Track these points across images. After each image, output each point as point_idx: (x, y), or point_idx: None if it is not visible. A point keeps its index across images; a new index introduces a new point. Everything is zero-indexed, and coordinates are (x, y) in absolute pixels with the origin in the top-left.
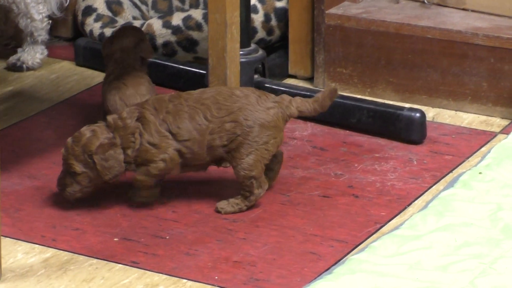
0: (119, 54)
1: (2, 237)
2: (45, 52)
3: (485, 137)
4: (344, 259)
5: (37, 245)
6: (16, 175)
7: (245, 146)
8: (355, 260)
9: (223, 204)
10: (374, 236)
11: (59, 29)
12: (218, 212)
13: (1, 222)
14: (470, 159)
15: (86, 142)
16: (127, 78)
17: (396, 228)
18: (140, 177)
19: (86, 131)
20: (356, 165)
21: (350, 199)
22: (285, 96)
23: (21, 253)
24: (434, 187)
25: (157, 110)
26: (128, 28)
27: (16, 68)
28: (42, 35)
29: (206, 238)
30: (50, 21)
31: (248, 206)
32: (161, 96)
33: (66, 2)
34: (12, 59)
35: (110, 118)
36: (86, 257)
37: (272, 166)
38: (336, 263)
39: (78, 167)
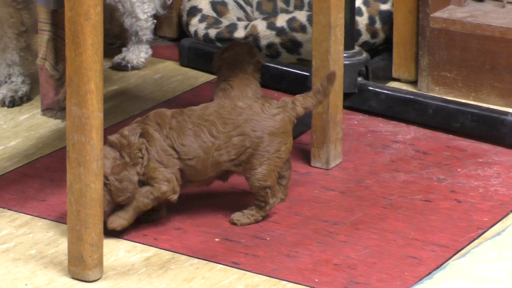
0: (231, 59)
1: (104, 235)
2: (150, 51)
3: None
4: (445, 264)
5: (139, 244)
6: None
7: (257, 157)
8: (456, 265)
9: (238, 216)
10: (476, 241)
11: (164, 29)
12: (234, 224)
13: (103, 220)
14: None
15: None
16: (234, 80)
17: (498, 234)
18: (141, 199)
19: None
20: (459, 169)
21: (452, 203)
22: (286, 99)
23: (123, 252)
24: None
25: (160, 126)
26: (239, 42)
27: (121, 67)
28: (147, 35)
29: (306, 240)
30: (155, 21)
31: (263, 216)
32: (162, 111)
33: (169, 0)
34: (117, 58)
35: (113, 137)
36: (187, 257)
37: (283, 173)
38: (437, 268)
39: None
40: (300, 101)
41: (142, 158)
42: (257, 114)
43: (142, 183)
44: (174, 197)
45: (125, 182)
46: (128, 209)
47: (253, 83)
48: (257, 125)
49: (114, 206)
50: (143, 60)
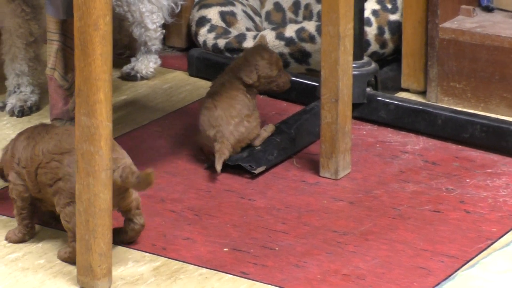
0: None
1: (113, 245)
2: (158, 61)
3: None
4: (454, 274)
5: (147, 254)
6: None
7: (64, 194)
8: (465, 276)
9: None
10: (485, 252)
11: (173, 39)
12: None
13: (112, 230)
14: None
15: None
16: (219, 99)
17: (508, 244)
18: None
19: None
20: (468, 180)
21: (461, 214)
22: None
23: (132, 261)
24: None
25: (28, 133)
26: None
27: (130, 77)
28: (156, 45)
29: (315, 250)
30: (164, 31)
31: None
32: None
33: (177, 8)
34: (126, 68)
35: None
36: (196, 267)
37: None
38: (446, 278)
39: None
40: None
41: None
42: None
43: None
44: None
45: None
46: None
47: (241, 100)
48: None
49: None
50: (152, 70)
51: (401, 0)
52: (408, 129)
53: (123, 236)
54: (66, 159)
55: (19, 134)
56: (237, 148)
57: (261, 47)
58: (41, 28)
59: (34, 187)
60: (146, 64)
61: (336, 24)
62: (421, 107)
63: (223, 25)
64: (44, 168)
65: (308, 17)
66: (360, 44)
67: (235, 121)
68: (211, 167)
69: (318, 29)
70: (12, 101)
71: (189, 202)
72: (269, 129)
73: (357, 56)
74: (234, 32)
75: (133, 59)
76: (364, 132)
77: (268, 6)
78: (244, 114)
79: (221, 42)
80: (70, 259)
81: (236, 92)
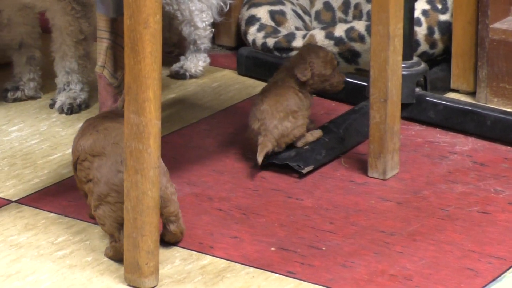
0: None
1: (160, 243)
2: (208, 60)
3: None
4: (502, 276)
5: (194, 252)
6: (175, 182)
7: (94, 197)
8: None
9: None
10: None
11: (222, 38)
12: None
13: (159, 226)
14: None
15: None
16: (268, 94)
17: None
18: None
19: None
20: None
21: (510, 216)
22: None
23: (179, 260)
24: None
25: (89, 122)
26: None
27: (179, 75)
28: (205, 43)
29: (362, 250)
30: (213, 30)
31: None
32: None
33: (226, 7)
34: (175, 66)
35: None
36: (243, 266)
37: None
38: (493, 280)
39: None
40: None
41: None
42: (109, 160)
43: None
44: None
45: None
46: None
47: (290, 98)
48: (102, 167)
49: None
50: (201, 68)
51: (451, 0)
52: (457, 130)
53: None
54: (96, 162)
55: (84, 121)
56: (281, 143)
57: (316, 46)
58: (91, 26)
59: (76, 179)
60: (195, 62)
61: (386, 23)
62: (470, 108)
63: (273, 24)
64: (80, 165)
65: (357, 16)
66: (410, 44)
67: (280, 116)
68: (258, 166)
69: (368, 28)
70: (61, 99)
71: (236, 200)
72: (315, 134)
73: (407, 56)
74: (283, 31)
75: (182, 57)
76: (413, 133)
77: (318, 5)
78: (291, 110)
79: (270, 41)
80: (114, 258)
81: (286, 90)
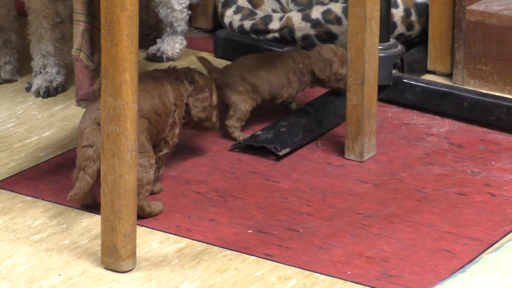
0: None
1: (137, 226)
2: (184, 42)
3: None
4: (478, 257)
5: (172, 235)
6: None
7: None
8: (489, 259)
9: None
10: (510, 235)
11: (199, 20)
12: None
13: (136, 211)
14: None
15: None
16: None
17: None
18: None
19: None
20: (493, 163)
21: (486, 197)
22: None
23: (156, 243)
24: None
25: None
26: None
27: (156, 58)
28: (182, 26)
29: (340, 232)
30: (190, 12)
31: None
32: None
33: None
34: (152, 49)
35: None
36: (220, 248)
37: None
38: (470, 261)
39: None
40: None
41: None
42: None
43: None
44: None
45: None
46: None
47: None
48: None
49: None
50: (177, 51)
51: None
52: (434, 112)
53: None
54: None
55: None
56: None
57: (334, 45)
58: (67, 8)
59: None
60: (172, 45)
61: (363, 5)
62: (447, 90)
63: (249, 6)
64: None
65: None
66: (387, 26)
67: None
68: (236, 149)
69: (345, 10)
70: (38, 82)
71: (214, 183)
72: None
73: (384, 38)
74: (260, 13)
75: (159, 40)
76: (390, 115)
77: None
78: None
79: (247, 24)
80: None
81: (286, 66)
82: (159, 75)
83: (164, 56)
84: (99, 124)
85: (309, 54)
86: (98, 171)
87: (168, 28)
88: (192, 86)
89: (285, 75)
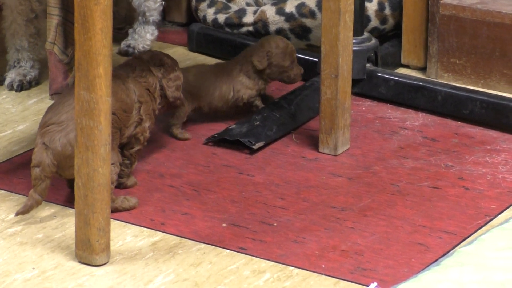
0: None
1: (111, 219)
2: (156, 33)
3: None
4: (452, 251)
5: (146, 229)
6: None
7: None
8: (463, 252)
9: None
10: (484, 228)
11: (173, 14)
12: None
13: (110, 205)
14: None
15: None
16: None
17: (506, 221)
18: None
19: None
20: (467, 156)
21: (460, 190)
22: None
23: (130, 236)
24: None
25: None
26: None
27: (129, 55)
28: (154, 16)
29: (314, 226)
30: (163, 2)
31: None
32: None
33: None
34: (124, 45)
35: None
36: (194, 242)
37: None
38: (444, 254)
39: None
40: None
41: None
42: None
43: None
44: None
45: None
46: None
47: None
48: None
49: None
50: (148, 43)
51: None
52: (408, 105)
53: None
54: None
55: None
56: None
57: (278, 37)
58: (42, 4)
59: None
60: (143, 35)
61: None
62: (421, 83)
63: (224, 0)
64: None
65: None
66: (361, 19)
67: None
68: (210, 142)
69: (319, 4)
70: (11, 76)
71: (188, 177)
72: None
73: (358, 31)
74: (234, 7)
75: (130, 30)
76: (364, 108)
77: None
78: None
79: (221, 17)
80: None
81: (235, 72)
82: (121, 74)
83: (136, 51)
84: (45, 144)
85: (252, 46)
86: (48, 187)
87: (140, 17)
88: (162, 68)
89: (236, 80)
